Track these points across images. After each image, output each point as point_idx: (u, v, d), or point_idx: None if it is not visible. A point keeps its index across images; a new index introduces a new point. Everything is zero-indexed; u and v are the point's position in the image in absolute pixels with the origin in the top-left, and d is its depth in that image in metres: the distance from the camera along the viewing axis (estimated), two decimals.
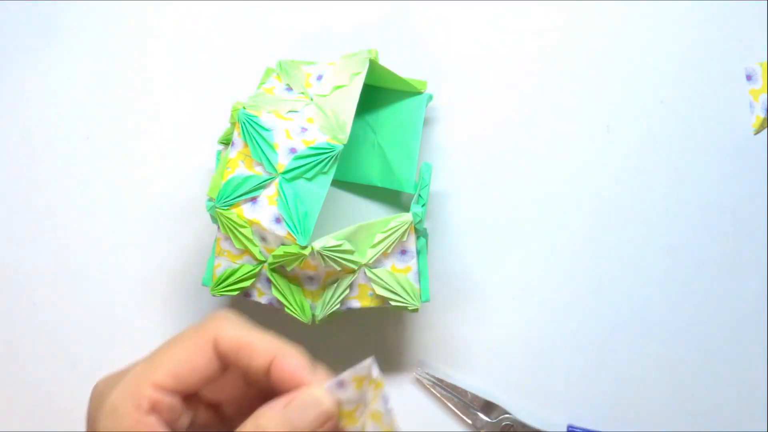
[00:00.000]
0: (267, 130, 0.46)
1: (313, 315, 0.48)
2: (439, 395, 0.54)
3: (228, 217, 0.46)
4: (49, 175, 0.56)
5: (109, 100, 0.56)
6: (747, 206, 0.55)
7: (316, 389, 0.40)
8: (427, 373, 0.54)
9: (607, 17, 0.57)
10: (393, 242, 0.47)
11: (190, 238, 0.54)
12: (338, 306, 0.48)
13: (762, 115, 0.56)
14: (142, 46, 0.57)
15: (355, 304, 0.48)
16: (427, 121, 0.56)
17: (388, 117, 0.54)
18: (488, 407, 0.53)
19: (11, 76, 0.56)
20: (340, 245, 0.46)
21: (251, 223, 0.46)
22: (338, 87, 0.48)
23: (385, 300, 0.48)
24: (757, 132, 0.56)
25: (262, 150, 0.46)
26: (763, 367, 0.55)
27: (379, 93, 0.54)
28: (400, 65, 0.54)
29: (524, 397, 0.54)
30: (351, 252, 0.46)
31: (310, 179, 0.46)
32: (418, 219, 0.48)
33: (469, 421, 0.53)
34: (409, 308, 0.48)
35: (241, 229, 0.46)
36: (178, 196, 0.55)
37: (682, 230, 0.55)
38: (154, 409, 0.41)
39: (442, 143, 0.56)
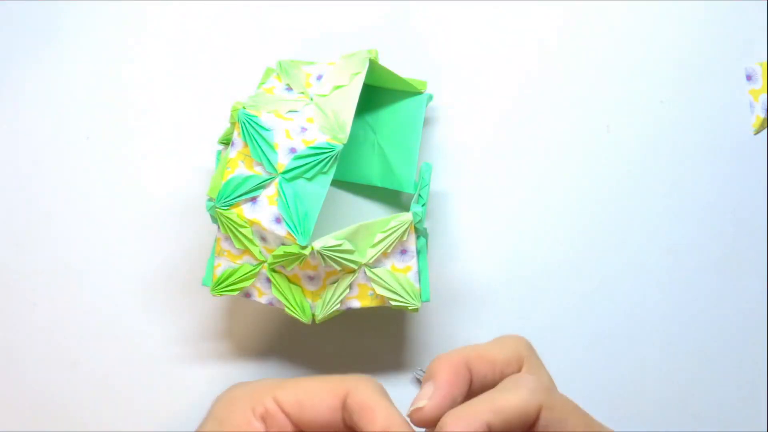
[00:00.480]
0: (267, 129, 0.46)
1: (313, 315, 0.48)
2: None
3: (228, 217, 0.46)
4: (49, 175, 0.55)
5: (109, 100, 0.56)
6: (747, 206, 0.55)
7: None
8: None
9: (607, 17, 0.57)
10: (393, 242, 0.47)
11: (190, 238, 0.54)
12: (338, 306, 0.48)
13: (762, 115, 0.56)
14: (143, 46, 0.57)
15: (355, 303, 0.48)
16: (427, 121, 0.56)
17: (388, 117, 0.54)
18: None
19: (11, 76, 0.56)
20: (340, 245, 0.46)
21: (251, 223, 0.46)
22: (338, 87, 0.48)
23: (385, 300, 0.48)
24: (757, 132, 0.56)
25: (261, 150, 0.46)
26: (763, 367, 0.55)
27: (379, 93, 0.54)
28: (400, 65, 0.54)
29: None
30: (351, 252, 0.46)
31: (310, 179, 0.46)
32: (418, 218, 0.48)
33: None
34: (410, 308, 0.48)
35: (241, 229, 0.46)
36: (178, 196, 0.55)
37: (682, 230, 0.55)
38: (265, 419, 0.42)
39: (442, 143, 0.56)
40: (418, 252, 0.48)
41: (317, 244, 0.45)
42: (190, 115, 0.56)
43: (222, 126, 0.54)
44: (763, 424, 0.54)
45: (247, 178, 0.46)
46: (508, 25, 0.57)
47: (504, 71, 0.57)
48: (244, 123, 0.46)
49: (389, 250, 0.47)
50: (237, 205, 0.46)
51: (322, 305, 0.48)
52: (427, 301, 0.49)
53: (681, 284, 0.55)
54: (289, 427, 0.42)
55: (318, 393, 0.42)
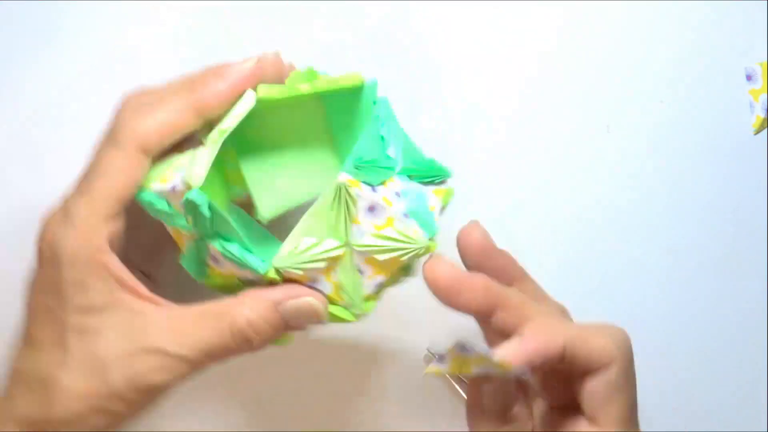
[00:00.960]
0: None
1: (353, 313, 0.45)
2: (452, 381, 0.53)
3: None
4: (49, 175, 0.55)
5: (109, 100, 0.56)
6: (747, 206, 0.55)
7: (311, 300, 0.42)
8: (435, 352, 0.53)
9: (607, 17, 0.57)
10: (347, 210, 0.42)
11: None
12: (370, 290, 0.45)
13: (762, 115, 0.56)
14: (143, 46, 0.57)
15: (380, 279, 0.44)
16: (426, 121, 0.55)
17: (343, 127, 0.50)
18: None
19: (11, 76, 0.56)
20: (296, 248, 0.42)
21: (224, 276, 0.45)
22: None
23: (398, 261, 0.44)
24: (757, 132, 0.56)
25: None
26: (763, 367, 0.55)
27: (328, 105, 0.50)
28: (399, 65, 0.54)
29: None
30: (315, 244, 0.42)
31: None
32: (352, 177, 0.43)
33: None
34: (422, 251, 0.44)
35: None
36: None
37: (682, 230, 0.55)
38: (112, 244, 0.41)
39: (441, 143, 0.56)
40: (383, 136, 0.45)
41: (277, 263, 0.42)
42: None
43: None
44: (763, 424, 0.54)
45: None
46: (508, 26, 0.57)
47: (504, 71, 0.57)
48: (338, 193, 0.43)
49: (356, 218, 0.43)
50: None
51: (352, 299, 0.44)
52: (436, 233, 0.45)
53: (681, 284, 0.55)
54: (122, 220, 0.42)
55: (122, 170, 0.41)
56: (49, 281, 0.42)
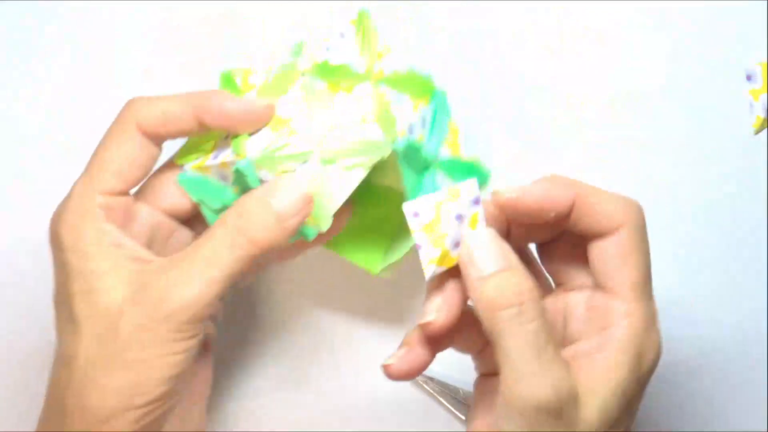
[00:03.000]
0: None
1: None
2: (431, 392, 0.54)
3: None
4: (49, 176, 0.55)
5: (110, 100, 0.56)
6: (747, 206, 0.55)
7: (290, 176, 0.41)
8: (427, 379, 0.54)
9: (607, 17, 0.57)
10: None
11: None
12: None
13: (762, 115, 0.56)
14: (144, 46, 0.57)
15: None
16: None
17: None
18: None
19: (11, 75, 0.56)
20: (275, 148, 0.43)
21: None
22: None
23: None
24: (757, 132, 0.56)
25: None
26: (763, 367, 0.55)
27: None
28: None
29: None
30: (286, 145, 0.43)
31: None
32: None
33: (463, 417, 0.53)
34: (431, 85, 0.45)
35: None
36: None
37: (682, 230, 0.55)
38: (108, 216, 0.41)
39: None
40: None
41: (251, 153, 0.43)
42: None
43: None
44: (763, 424, 0.54)
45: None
46: (507, 25, 0.57)
47: (503, 72, 0.56)
48: (308, 88, 0.44)
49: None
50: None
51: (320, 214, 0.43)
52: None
53: (681, 284, 0.55)
54: (131, 200, 0.43)
55: (121, 150, 0.42)
56: (57, 266, 0.42)
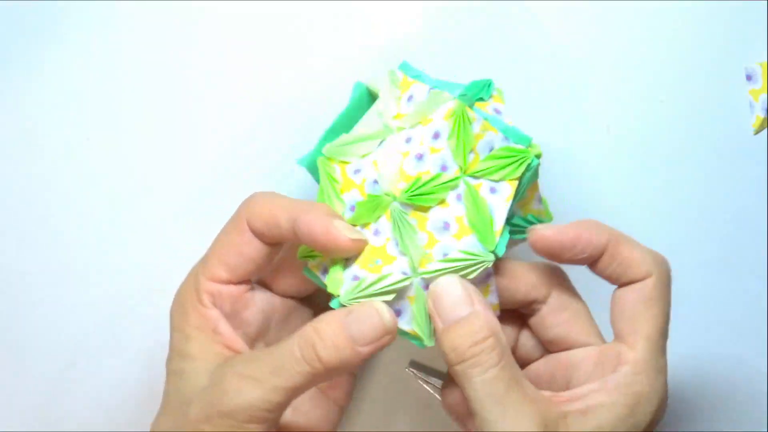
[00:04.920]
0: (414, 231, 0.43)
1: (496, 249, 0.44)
2: (431, 390, 0.54)
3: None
4: (49, 175, 0.56)
5: (110, 100, 0.56)
6: (747, 206, 0.55)
7: (377, 303, 0.41)
8: (417, 369, 0.54)
9: (607, 17, 0.57)
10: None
11: (190, 238, 0.54)
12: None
13: (762, 115, 0.56)
14: (145, 47, 0.57)
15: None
16: None
17: None
18: None
19: (11, 75, 0.56)
20: (361, 283, 0.43)
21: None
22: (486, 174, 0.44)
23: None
24: (757, 132, 0.56)
25: (407, 246, 0.43)
26: (763, 367, 0.55)
27: None
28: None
29: None
30: (382, 278, 0.43)
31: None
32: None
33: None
34: (489, 263, 0.43)
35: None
36: (179, 196, 0.55)
37: (682, 230, 0.55)
38: (216, 302, 0.44)
39: None
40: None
41: (343, 298, 0.42)
42: (192, 115, 0.56)
43: (223, 124, 0.53)
44: (763, 424, 0.54)
45: (381, 278, 0.43)
46: (507, 25, 0.57)
47: (503, 72, 0.57)
48: (397, 220, 0.43)
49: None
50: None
51: (423, 330, 0.44)
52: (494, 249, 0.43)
53: (681, 284, 0.55)
54: (241, 290, 0.44)
55: (231, 243, 0.44)
56: (170, 338, 0.45)
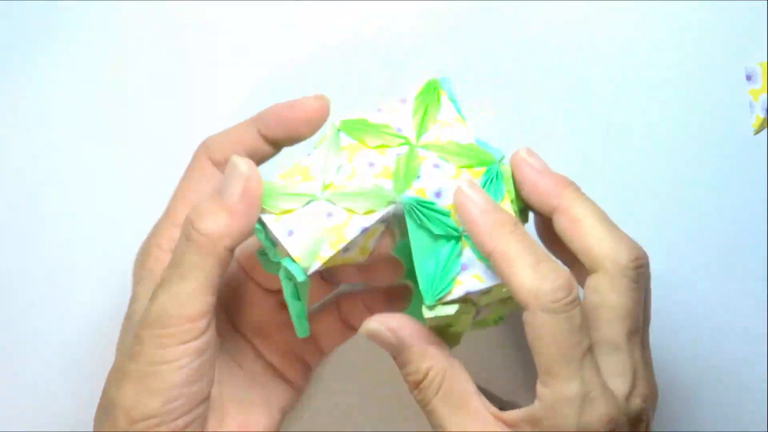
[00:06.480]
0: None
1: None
2: None
3: None
4: (49, 176, 0.55)
5: (110, 99, 0.56)
6: (747, 206, 0.55)
7: (234, 158, 0.42)
8: None
9: (607, 17, 0.57)
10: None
11: None
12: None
13: (762, 115, 0.56)
14: (145, 47, 0.57)
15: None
16: None
17: None
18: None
19: (11, 75, 0.56)
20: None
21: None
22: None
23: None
24: (757, 132, 0.56)
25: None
26: (763, 367, 0.54)
27: None
28: (401, 69, 0.54)
29: (518, 391, 0.54)
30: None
31: None
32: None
33: None
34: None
35: None
36: None
37: (682, 230, 0.55)
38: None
39: None
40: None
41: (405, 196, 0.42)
42: (192, 115, 0.56)
43: (223, 124, 0.53)
44: (763, 424, 0.54)
45: None
46: (507, 25, 0.57)
47: (503, 72, 0.56)
48: (330, 138, 0.43)
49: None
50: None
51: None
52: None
53: (681, 284, 0.55)
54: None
55: (197, 183, 0.45)
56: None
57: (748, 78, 0.57)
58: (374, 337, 0.42)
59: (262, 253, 0.44)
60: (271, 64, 0.55)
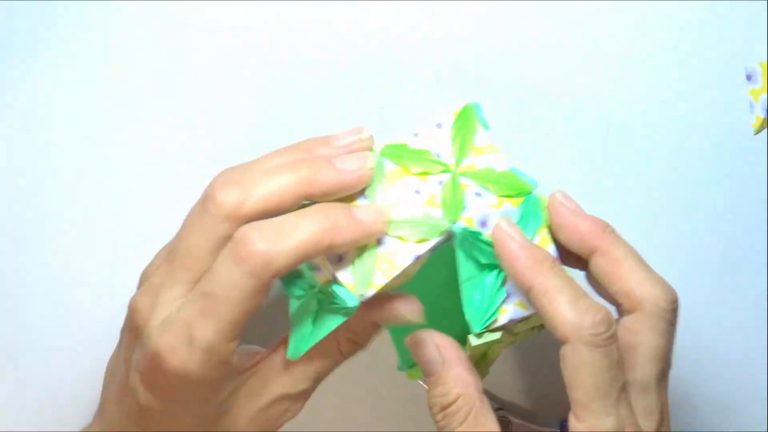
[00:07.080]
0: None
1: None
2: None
3: None
4: (48, 175, 0.56)
5: (110, 99, 0.56)
6: (747, 206, 0.55)
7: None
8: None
9: (607, 17, 0.57)
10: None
11: None
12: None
13: (762, 115, 0.56)
14: (145, 47, 0.57)
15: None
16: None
17: None
18: None
19: (10, 75, 0.56)
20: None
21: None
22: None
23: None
24: (757, 132, 0.56)
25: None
26: (763, 367, 0.55)
27: None
28: (401, 71, 0.54)
29: (518, 392, 0.54)
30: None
31: None
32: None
33: None
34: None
35: None
36: (180, 196, 0.55)
37: (682, 230, 0.55)
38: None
39: None
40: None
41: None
42: (192, 116, 0.56)
43: (223, 127, 0.53)
44: (763, 424, 0.54)
45: None
46: (507, 25, 0.57)
47: (503, 72, 0.57)
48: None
49: None
50: None
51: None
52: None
53: (681, 284, 0.55)
54: None
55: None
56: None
57: (748, 78, 0.57)
58: (418, 347, 0.42)
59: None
60: (272, 64, 0.55)
